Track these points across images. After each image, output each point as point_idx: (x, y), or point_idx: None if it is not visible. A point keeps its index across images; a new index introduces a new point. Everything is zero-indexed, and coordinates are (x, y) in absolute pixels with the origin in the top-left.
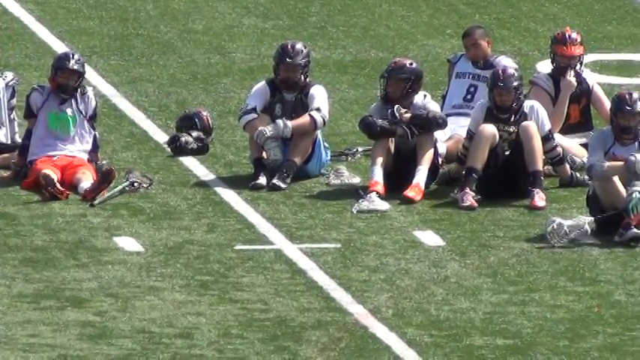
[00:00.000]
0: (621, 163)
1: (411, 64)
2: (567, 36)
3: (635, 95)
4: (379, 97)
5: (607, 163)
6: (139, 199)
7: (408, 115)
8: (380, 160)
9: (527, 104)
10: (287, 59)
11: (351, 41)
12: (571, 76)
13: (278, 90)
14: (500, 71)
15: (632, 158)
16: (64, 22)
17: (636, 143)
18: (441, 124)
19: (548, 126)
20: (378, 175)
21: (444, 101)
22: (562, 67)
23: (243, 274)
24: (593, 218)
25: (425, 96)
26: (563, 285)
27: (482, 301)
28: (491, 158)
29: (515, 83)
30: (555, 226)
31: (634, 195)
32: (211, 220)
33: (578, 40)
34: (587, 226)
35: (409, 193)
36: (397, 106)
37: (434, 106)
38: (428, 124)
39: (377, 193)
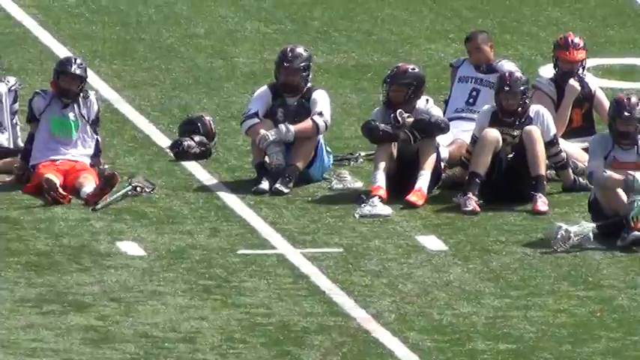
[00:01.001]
0: (622, 178)
1: (413, 69)
2: (570, 41)
3: (633, 100)
4: (382, 101)
5: (608, 174)
6: (141, 204)
7: (411, 119)
8: (382, 164)
9: (533, 109)
10: (285, 63)
11: (354, 46)
12: (575, 81)
13: (280, 94)
14: (507, 75)
15: (631, 177)
16: (67, 26)
17: (635, 147)
18: (444, 129)
19: (553, 131)
20: (381, 179)
21: (446, 106)
22: (565, 72)
23: (245, 279)
24: (595, 224)
25: (427, 100)
26: (566, 290)
27: (484, 305)
28: (494, 163)
29: (521, 87)
30: (563, 233)
31: (636, 204)
32: (214, 224)
33: (581, 44)
34: (590, 233)
35: (411, 197)
36: (400, 110)
37: (436, 111)
38: (430, 128)
39: (379, 197)
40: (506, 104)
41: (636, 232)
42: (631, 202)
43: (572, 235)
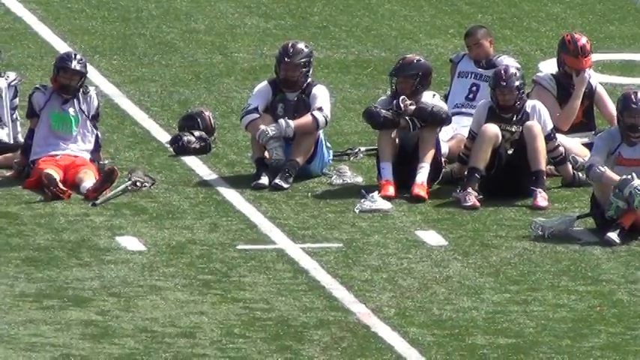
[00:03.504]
0: (618, 177)
1: (418, 60)
2: (579, 48)
3: None
4: (389, 95)
5: (606, 172)
6: (141, 199)
7: (413, 107)
8: (389, 156)
9: (530, 104)
10: (286, 58)
11: (354, 41)
12: (586, 72)
13: (280, 90)
14: (502, 71)
15: (629, 177)
16: (67, 21)
17: None
18: (445, 120)
19: (550, 125)
20: (389, 173)
21: (446, 101)
22: (570, 75)
23: (245, 274)
24: (576, 215)
25: (434, 95)
26: (566, 284)
27: (484, 300)
28: (494, 158)
29: (517, 83)
30: (542, 229)
31: (613, 204)
32: (214, 219)
33: (588, 47)
34: (568, 220)
35: (420, 192)
36: (403, 97)
37: (442, 105)
38: (431, 117)
39: (386, 196)
40: (502, 100)
41: (609, 234)
42: (610, 204)
43: (548, 224)
